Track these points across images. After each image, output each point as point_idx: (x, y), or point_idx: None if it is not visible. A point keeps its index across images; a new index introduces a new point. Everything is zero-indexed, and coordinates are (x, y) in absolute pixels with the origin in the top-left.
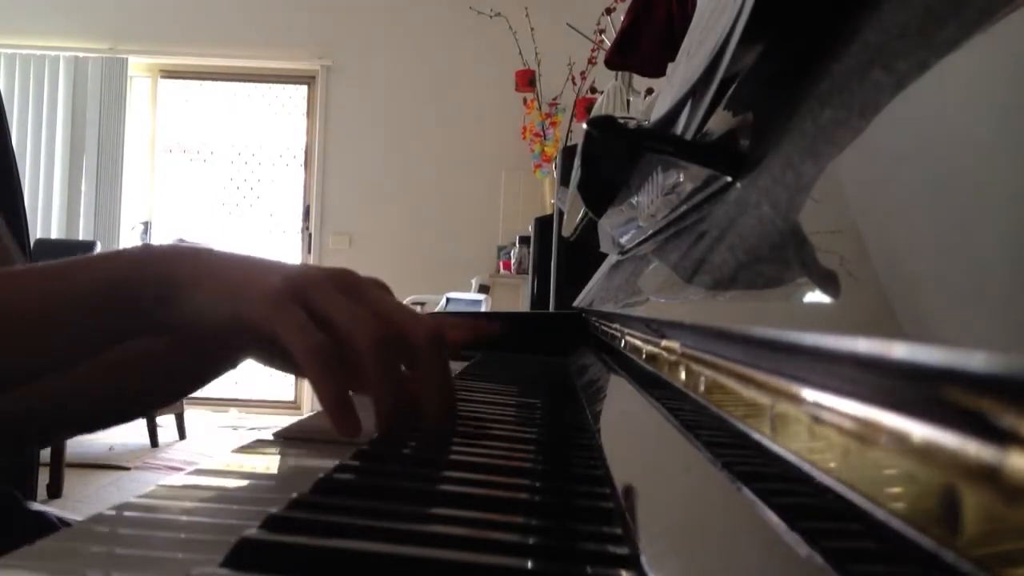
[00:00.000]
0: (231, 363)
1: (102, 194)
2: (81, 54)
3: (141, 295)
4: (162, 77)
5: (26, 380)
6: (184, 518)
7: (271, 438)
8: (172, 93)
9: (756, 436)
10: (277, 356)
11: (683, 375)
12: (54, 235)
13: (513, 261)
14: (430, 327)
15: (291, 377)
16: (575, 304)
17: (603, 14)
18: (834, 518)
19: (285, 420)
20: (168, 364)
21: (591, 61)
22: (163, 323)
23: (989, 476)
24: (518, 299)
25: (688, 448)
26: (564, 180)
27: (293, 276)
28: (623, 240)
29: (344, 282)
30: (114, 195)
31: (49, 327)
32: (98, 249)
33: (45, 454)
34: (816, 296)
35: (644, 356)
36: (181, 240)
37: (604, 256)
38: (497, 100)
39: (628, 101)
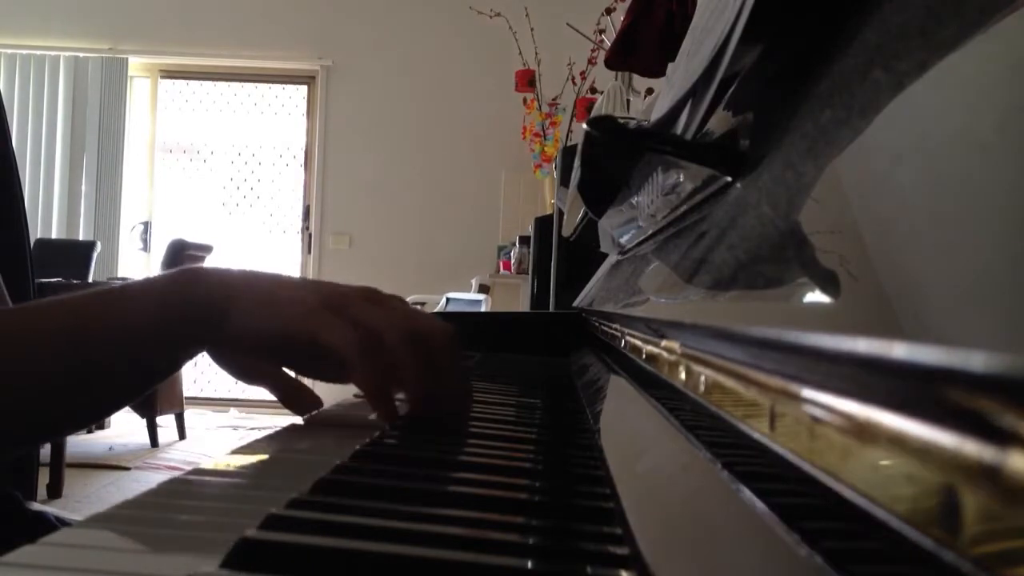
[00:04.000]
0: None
1: (102, 194)
2: (81, 54)
3: (194, 320)
4: (162, 77)
5: (98, 415)
6: (184, 518)
7: (270, 435)
8: (172, 93)
9: (756, 436)
10: (313, 365)
11: (683, 375)
12: (54, 235)
13: (513, 261)
14: (446, 329)
15: None
16: (575, 304)
17: (603, 14)
18: (834, 518)
19: (285, 420)
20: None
21: (591, 61)
22: (213, 344)
23: (989, 476)
24: (518, 299)
25: (688, 448)
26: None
27: (326, 291)
28: (623, 240)
29: (370, 295)
30: (114, 195)
31: (110, 366)
32: (98, 250)
33: (45, 454)
34: (816, 296)
35: (644, 356)
36: (181, 240)
37: (604, 256)
38: (497, 100)
39: (628, 101)
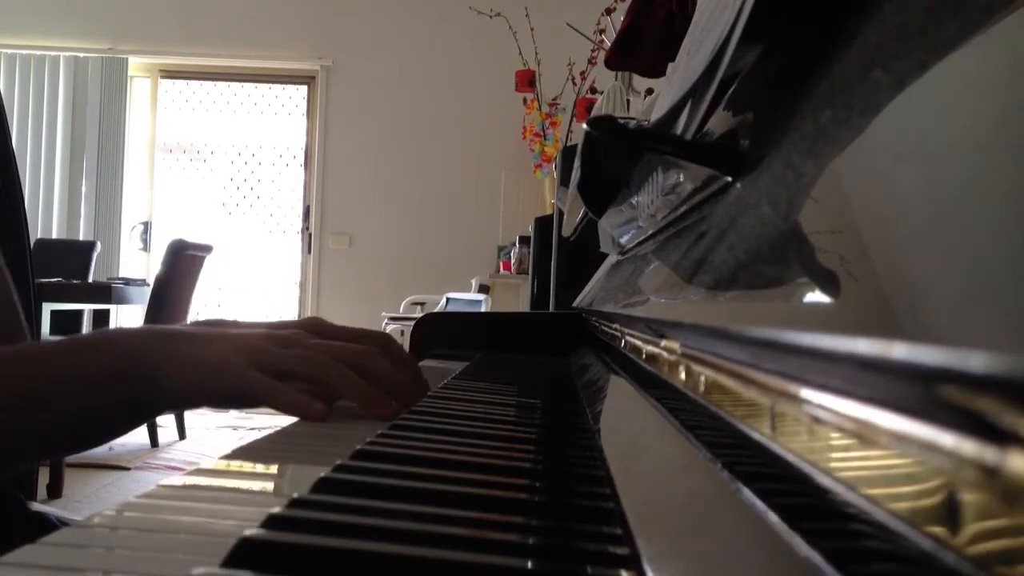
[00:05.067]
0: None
1: (102, 194)
2: (81, 54)
3: (134, 382)
4: (162, 77)
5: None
6: (184, 518)
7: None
8: (172, 93)
9: (756, 436)
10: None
11: (683, 375)
12: (54, 235)
13: (513, 261)
14: (376, 337)
15: None
16: (575, 304)
17: (603, 14)
18: (834, 518)
19: (285, 420)
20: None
21: (591, 61)
22: (150, 405)
23: (989, 476)
24: (518, 299)
25: (688, 448)
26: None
27: (252, 347)
28: (623, 240)
29: (288, 339)
30: (114, 195)
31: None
32: (98, 250)
33: None
34: (816, 296)
35: (644, 356)
36: (181, 240)
37: (604, 256)
38: (497, 100)
39: (628, 101)
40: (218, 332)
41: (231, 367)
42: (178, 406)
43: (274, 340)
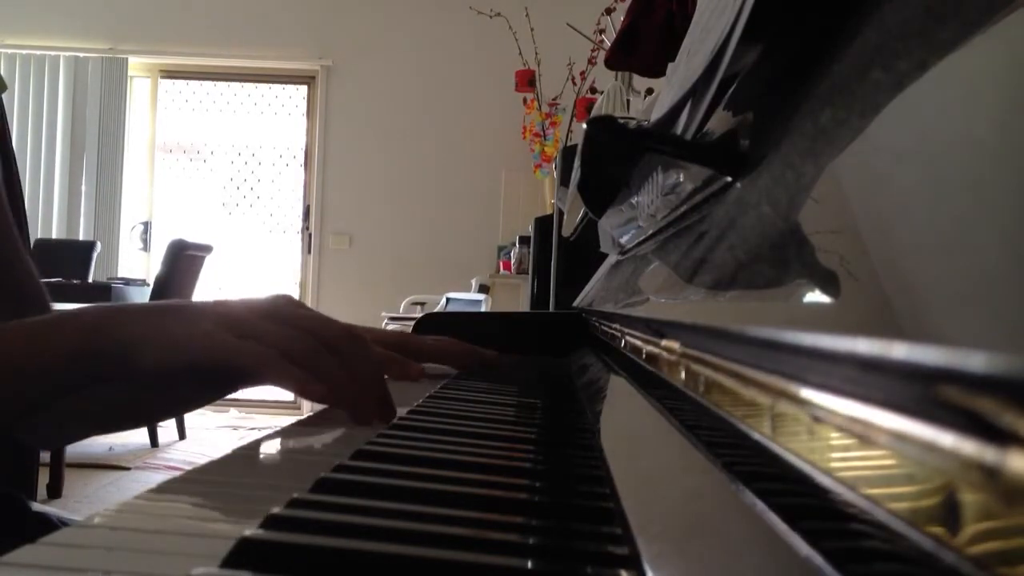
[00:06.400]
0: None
1: (102, 194)
2: (81, 54)
3: (100, 360)
4: (162, 77)
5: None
6: (183, 518)
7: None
8: (172, 93)
9: (756, 436)
10: (229, 383)
11: (683, 375)
12: (54, 235)
13: (513, 261)
14: (345, 328)
15: None
16: (575, 304)
17: (603, 14)
18: (834, 518)
19: (285, 420)
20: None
21: (591, 61)
22: (122, 379)
23: (989, 476)
24: (518, 299)
25: (688, 448)
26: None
27: (220, 312)
28: (623, 240)
29: (264, 310)
30: (114, 195)
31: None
32: (98, 250)
33: (45, 454)
34: (816, 296)
35: (644, 356)
36: (181, 240)
37: (604, 256)
38: (497, 100)
39: (628, 101)
40: (190, 302)
41: (211, 335)
42: (163, 383)
43: (257, 311)
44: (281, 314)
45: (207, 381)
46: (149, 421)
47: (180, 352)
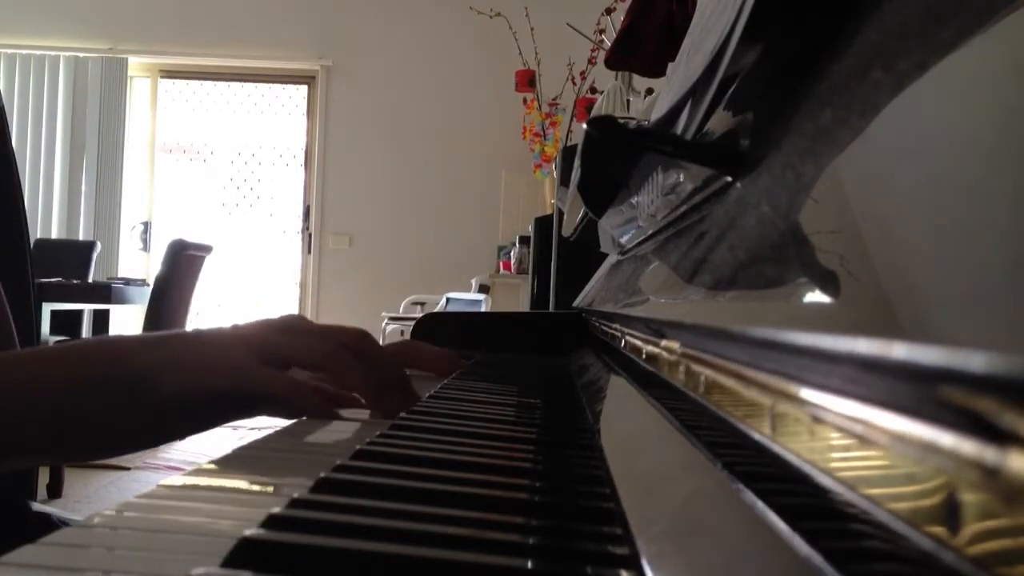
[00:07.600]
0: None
1: (102, 194)
2: (81, 54)
3: (119, 391)
4: (162, 77)
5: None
6: (184, 518)
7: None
8: (172, 93)
9: (756, 436)
10: (254, 409)
11: (683, 375)
12: (54, 235)
13: (513, 261)
14: (358, 330)
15: None
16: (575, 304)
17: (603, 14)
18: (834, 518)
19: (285, 420)
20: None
21: (591, 61)
22: (155, 404)
23: (989, 476)
24: (518, 299)
25: (688, 448)
26: (564, 180)
27: (250, 342)
28: (623, 240)
29: (283, 326)
30: (114, 195)
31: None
32: (98, 250)
33: None
34: (816, 296)
35: (644, 356)
36: (181, 240)
37: (604, 256)
38: (497, 100)
39: (628, 101)
40: (218, 330)
41: (236, 362)
42: (188, 411)
43: (275, 329)
44: (299, 328)
45: (231, 408)
46: (164, 442)
47: (216, 379)
